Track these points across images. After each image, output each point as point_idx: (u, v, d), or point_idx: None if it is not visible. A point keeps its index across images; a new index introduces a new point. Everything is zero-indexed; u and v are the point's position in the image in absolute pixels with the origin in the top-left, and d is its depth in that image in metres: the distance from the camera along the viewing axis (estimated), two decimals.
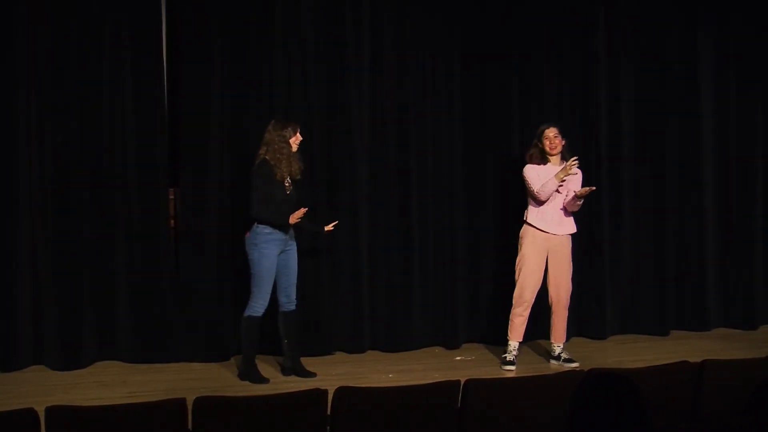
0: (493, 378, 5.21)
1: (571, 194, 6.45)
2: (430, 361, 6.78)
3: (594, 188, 6.45)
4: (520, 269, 6.56)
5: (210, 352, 6.68)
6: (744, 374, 4.33)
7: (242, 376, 6.21)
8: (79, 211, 6.52)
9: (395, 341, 7.07)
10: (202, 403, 3.84)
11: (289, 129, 6.14)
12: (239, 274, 6.77)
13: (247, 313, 6.15)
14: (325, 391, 4.02)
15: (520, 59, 7.35)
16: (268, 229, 6.10)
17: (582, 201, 6.48)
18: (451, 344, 7.16)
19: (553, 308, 6.62)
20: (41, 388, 5.98)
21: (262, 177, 6.08)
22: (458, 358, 6.93)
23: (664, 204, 7.69)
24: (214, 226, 6.75)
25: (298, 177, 6.24)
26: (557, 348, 6.66)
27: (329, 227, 6.46)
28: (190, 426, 3.81)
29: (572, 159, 6.40)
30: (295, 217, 6.10)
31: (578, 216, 7.55)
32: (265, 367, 6.33)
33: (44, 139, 6.47)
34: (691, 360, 4.71)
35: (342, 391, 4.02)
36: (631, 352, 7.00)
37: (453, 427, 4.10)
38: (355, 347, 7.01)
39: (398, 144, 7.12)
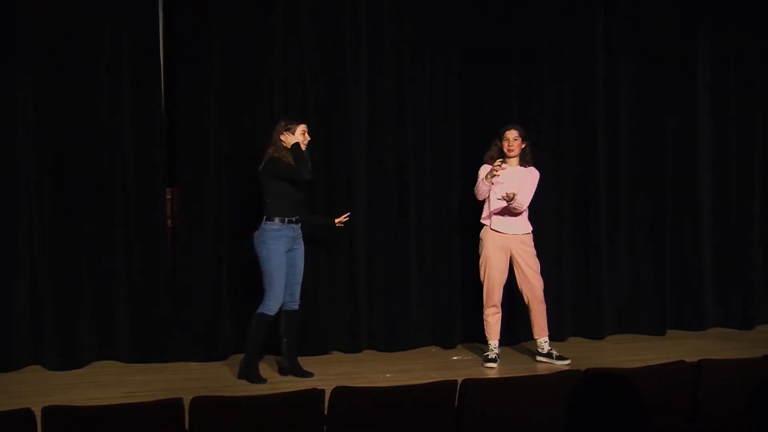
0: (491, 378, 5.22)
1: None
2: (427, 361, 6.78)
3: (515, 193, 6.44)
4: (484, 270, 6.66)
5: (208, 352, 6.68)
6: (742, 374, 4.33)
7: (240, 375, 6.19)
8: (77, 211, 6.51)
9: (392, 341, 7.08)
10: (199, 403, 3.83)
11: (292, 128, 6.15)
12: (237, 274, 6.79)
13: (260, 310, 6.14)
14: (323, 391, 4.02)
15: (520, 59, 7.35)
16: (276, 226, 6.11)
17: (514, 203, 6.47)
18: (448, 344, 7.17)
19: (530, 305, 6.69)
20: (39, 388, 5.97)
21: (276, 172, 6.12)
22: (455, 357, 6.93)
23: (662, 204, 7.69)
24: (211, 227, 6.75)
25: (309, 178, 6.24)
26: (544, 344, 6.71)
27: (340, 220, 6.50)
28: (187, 426, 3.81)
29: (496, 163, 6.43)
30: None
31: (577, 216, 7.58)
32: (262, 366, 6.32)
33: (42, 139, 6.45)
34: (689, 360, 4.71)
35: (339, 391, 4.02)
36: (628, 352, 7.01)
37: (450, 427, 4.10)
38: (352, 347, 7.01)
39: (396, 144, 7.12)
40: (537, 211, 7.41)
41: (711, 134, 7.87)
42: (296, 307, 6.30)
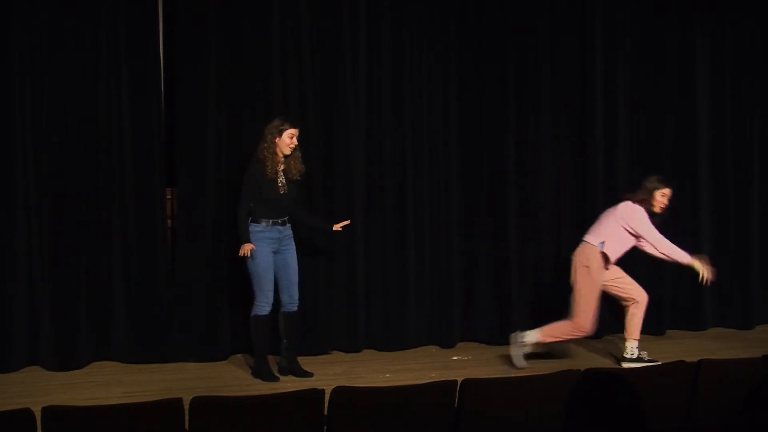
0: (490, 378, 5.20)
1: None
2: (426, 361, 6.78)
3: (348, 222, 6.50)
4: (588, 287, 6.40)
5: (207, 352, 6.68)
6: (740, 374, 4.34)
7: (254, 374, 6.24)
8: (75, 212, 6.51)
9: (392, 341, 7.08)
10: (199, 402, 3.84)
11: (280, 129, 6.13)
12: (236, 274, 6.78)
13: (253, 312, 6.19)
14: (322, 391, 4.03)
15: (518, 60, 7.35)
16: (259, 227, 6.12)
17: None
18: (448, 344, 7.17)
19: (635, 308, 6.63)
20: (38, 389, 5.97)
21: (246, 176, 6.15)
22: (455, 357, 6.93)
23: None
24: (210, 226, 6.75)
25: (297, 178, 6.23)
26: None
27: (338, 227, 6.44)
28: (186, 426, 3.81)
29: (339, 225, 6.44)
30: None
31: (576, 216, 7.56)
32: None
33: (41, 140, 6.45)
34: (688, 360, 4.72)
35: (339, 391, 4.02)
36: None
37: (450, 427, 4.10)
38: (351, 347, 7.01)
39: (394, 143, 7.12)
40: (536, 212, 7.44)
41: (708, 133, 7.87)
42: (295, 308, 6.31)
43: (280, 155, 6.15)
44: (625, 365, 6.50)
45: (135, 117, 6.62)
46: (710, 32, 7.85)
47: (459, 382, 4.16)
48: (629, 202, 6.53)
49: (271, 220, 6.15)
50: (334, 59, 6.96)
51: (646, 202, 6.52)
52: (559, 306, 7.43)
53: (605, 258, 6.47)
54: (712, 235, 7.90)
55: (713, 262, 7.85)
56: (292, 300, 6.29)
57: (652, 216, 6.53)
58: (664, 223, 6.68)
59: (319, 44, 6.94)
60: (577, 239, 7.46)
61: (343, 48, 6.97)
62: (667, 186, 6.58)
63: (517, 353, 6.46)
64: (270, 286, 6.15)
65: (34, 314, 6.45)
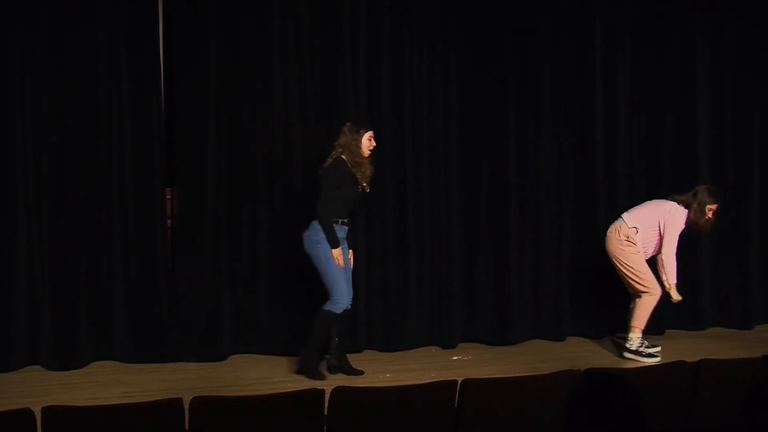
0: (490, 378, 5.21)
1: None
2: (426, 361, 6.78)
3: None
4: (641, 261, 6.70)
5: (207, 352, 6.67)
6: (740, 374, 4.34)
7: (299, 370, 6.18)
8: (75, 211, 6.51)
9: (392, 341, 7.07)
10: (199, 402, 3.84)
11: (362, 132, 6.20)
12: (237, 274, 6.79)
13: (328, 307, 6.14)
14: (322, 391, 4.03)
15: (518, 61, 7.34)
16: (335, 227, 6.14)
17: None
18: (448, 344, 7.16)
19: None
20: (37, 389, 5.97)
21: (338, 175, 6.13)
22: (455, 357, 6.93)
23: None
24: (211, 226, 6.74)
25: (368, 180, 6.28)
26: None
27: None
28: (186, 426, 3.82)
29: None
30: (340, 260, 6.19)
31: (576, 217, 7.56)
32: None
33: (41, 140, 6.45)
34: (688, 360, 4.72)
35: (339, 391, 4.02)
36: None
37: (450, 427, 4.10)
38: (351, 347, 7.00)
39: (394, 143, 7.11)
40: (537, 212, 7.43)
41: (708, 133, 7.87)
42: (349, 306, 6.31)
43: (363, 156, 6.20)
44: (627, 355, 6.69)
45: (135, 117, 6.62)
46: (710, 32, 7.84)
47: (459, 382, 4.17)
48: (679, 206, 6.67)
49: (340, 220, 6.19)
50: (334, 59, 6.96)
51: (693, 211, 6.63)
52: (559, 306, 7.47)
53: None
54: (711, 234, 7.89)
55: (713, 262, 7.93)
56: (349, 298, 6.31)
57: (692, 227, 6.70)
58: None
59: (319, 44, 6.93)
60: (577, 239, 7.49)
61: (343, 48, 6.97)
62: (717, 201, 6.68)
63: (643, 357, 6.67)
64: (344, 284, 6.16)
65: (34, 314, 6.45)
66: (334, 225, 6.13)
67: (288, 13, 6.86)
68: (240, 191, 6.80)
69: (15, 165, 6.41)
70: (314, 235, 6.14)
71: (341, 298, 6.14)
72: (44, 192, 6.46)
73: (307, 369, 6.15)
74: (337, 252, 6.10)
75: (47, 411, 3.69)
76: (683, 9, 7.75)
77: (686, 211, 6.67)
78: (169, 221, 6.80)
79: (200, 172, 6.73)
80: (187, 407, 3.82)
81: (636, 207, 6.86)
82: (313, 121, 6.92)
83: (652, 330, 7.48)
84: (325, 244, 6.10)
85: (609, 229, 6.82)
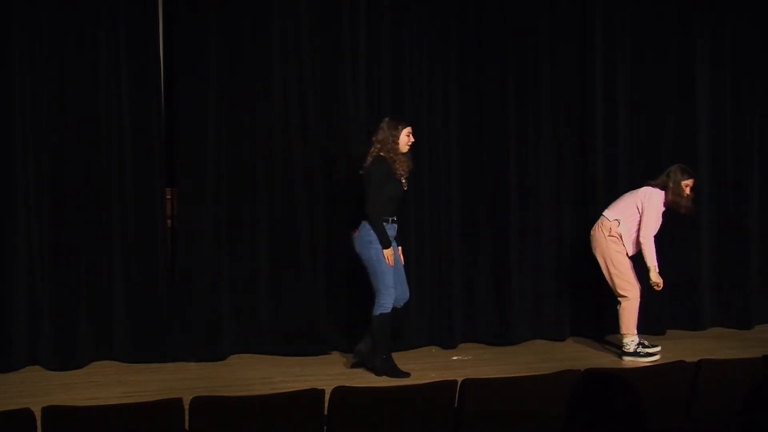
0: (490, 378, 5.21)
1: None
2: (426, 361, 6.77)
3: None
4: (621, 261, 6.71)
5: (207, 352, 6.67)
6: (740, 374, 4.34)
7: (380, 372, 6.18)
8: (75, 212, 6.51)
9: (392, 341, 7.06)
10: (199, 402, 3.84)
11: (400, 128, 6.17)
12: (237, 274, 6.79)
13: (377, 311, 6.15)
14: (322, 391, 4.03)
15: (517, 61, 7.34)
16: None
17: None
18: (448, 344, 7.16)
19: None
20: (37, 389, 5.97)
21: (381, 173, 6.11)
22: (455, 357, 6.93)
23: None
24: (211, 226, 6.74)
25: (407, 176, 6.26)
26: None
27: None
28: (186, 426, 3.82)
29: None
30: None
31: (576, 218, 7.56)
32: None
33: (41, 140, 6.45)
34: (688, 360, 4.72)
35: (339, 391, 4.02)
36: None
37: (450, 427, 4.10)
38: (351, 347, 6.99)
39: None
40: (537, 212, 7.43)
41: (708, 134, 7.87)
42: (400, 304, 6.32)
43: (400, 151, 6.18)
44: (626, 358, 6.69)
45: (135, 117, 6.62)
46: (710, 32, 7.85)
47: (459, 382, 4.17)
48: (654, 188, 6.70)
49: (390, 218, 6.19)
50: (334, 59, 6.96)
51: (671, 192, 6.65)
52: (559, 306, 7.47)
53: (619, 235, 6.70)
54: (711, 234, 7.90)
55: (713, 262, 7.93)
56: (404, 296, 6.31)
57: (673, 208, 6.68)
58: (666, 222, 6.74)
59: (319, 44, 6.93)
60: (577, 239, 7.49)
61: (343, 48, 6.97)
62: (691, 176, 6.72)
63: (642, 358, 6.68)
64: (392, 283, 6.15)
65: (34, 314, 6.45)
66: (384, 224, 6.12)
67: (288, 13, 6.86)
68: (240, 191, 6.80)
69: (15, 165, 6.41)
70: (366, 235, 6.14)
71: (387, 298, 6.13)
72: (44, 192, 6.46)
73: (387, 370, 6.16)
74: (388, 252, 6.10)
75: (47, 411, 3.69)
76: (683, 9, 7.76)
77: (662, 192, 6.68)
78: (169, 221, 6.80)
79: (200, 172, 6.73)
80: (187, 407, 3.82)
81: (614, 202, 6.88)
82: (313, 121, 6.91)
83: (652, 330, 7.49)
84: (377, 244, 6.09)
85: (592, 228, 6.83)
